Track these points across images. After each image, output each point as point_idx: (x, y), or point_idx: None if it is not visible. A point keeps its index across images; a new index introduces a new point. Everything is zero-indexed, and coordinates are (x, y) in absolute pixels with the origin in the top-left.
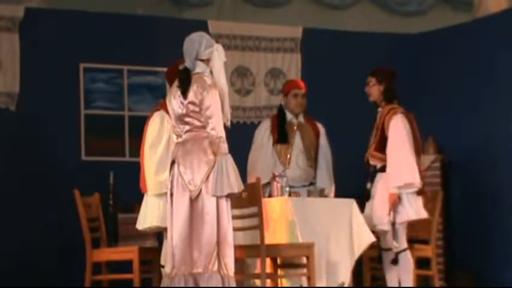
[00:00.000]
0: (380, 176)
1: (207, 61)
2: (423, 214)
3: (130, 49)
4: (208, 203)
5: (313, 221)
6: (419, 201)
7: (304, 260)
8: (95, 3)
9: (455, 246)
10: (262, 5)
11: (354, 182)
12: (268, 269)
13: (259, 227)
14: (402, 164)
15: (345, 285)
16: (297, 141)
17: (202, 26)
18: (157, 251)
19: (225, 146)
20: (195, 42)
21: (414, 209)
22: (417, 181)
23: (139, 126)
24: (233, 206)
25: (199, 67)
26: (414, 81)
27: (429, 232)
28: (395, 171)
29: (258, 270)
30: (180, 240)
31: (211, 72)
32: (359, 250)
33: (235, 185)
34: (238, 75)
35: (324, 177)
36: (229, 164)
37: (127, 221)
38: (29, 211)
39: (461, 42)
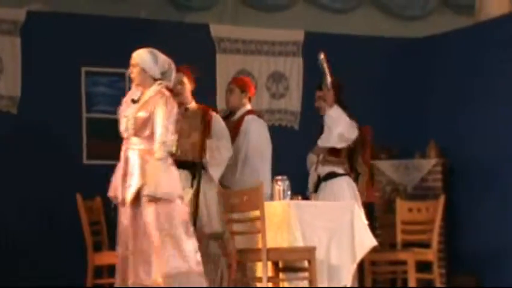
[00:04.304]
0: (324, 185)
1: None
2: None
3: (131, 53)
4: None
5: (314, 224)
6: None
7: (305, 264)
8: (97, 7)
9: (457, 250)
10: (264, 8)
11: None
12: (270, 273)
13: (261, 230)
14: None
15: None
16: None
17: (204, 30)
18: None
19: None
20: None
21: None
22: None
23: None
24: (235, 210)
25: None
26: (416, 85)
27: (430, 236)
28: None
29: (259, 274)
30: None
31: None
32: (360, 253)
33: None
34: None
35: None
36: (159, 167)
37: None
38: (30, 214)
39: (463, 46)
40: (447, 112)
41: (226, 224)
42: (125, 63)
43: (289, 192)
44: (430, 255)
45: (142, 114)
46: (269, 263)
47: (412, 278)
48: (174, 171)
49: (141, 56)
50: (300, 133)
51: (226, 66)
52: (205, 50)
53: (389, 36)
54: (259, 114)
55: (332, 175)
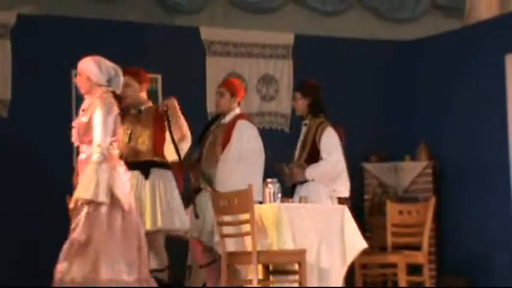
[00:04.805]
0: (299, 188)
1: None
2: None
3: (121, 55)
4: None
5: (305, 227)
6: None
7: (296, 267)
8: (87, 10)
9: (447, 252)
10: (254, 11)
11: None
12: (260, 276)
13: (252, 233)
14: (345, 177)
15: None
16: (208, 142)
17: (194, 33)
18: None
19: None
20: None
21: None
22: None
23: None
24: (225, 213)
25: None
26: (406, 88)
27: (421, 238)
28: (341, 182)
29: (249, 277)
30: None
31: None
32: (350, 256)
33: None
34: None
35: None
36: (95, 170)
37: None
38: (20, 217)
39: (453, 48)
40: (437, 114)
41: (217, 226)
42: (121, 66)
43: (279, 195)
44: (421, 257)
45: (83, 119)
46: (259, 266)
47: (403, 281)
48: (114, 175)
49: (86, 65)
50: (290, 136)
51: (216, 69)
52: (195, 52)
53: (379, 39)
54: (249, 118)
55: None
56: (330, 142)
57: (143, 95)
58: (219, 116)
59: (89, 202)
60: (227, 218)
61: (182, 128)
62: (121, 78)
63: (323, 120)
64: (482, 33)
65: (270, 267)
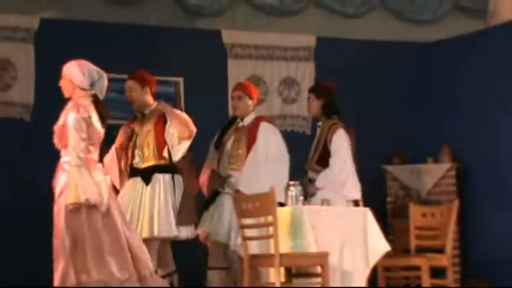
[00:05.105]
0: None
1: None
2: None
3: (143, 59)
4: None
5: (327, 230)
6: None
7: (318, 269)
8: (109, 14)
9: (471, 255)
10: (276, 14)
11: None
12: (283, 278)
13: (274, 236)
14: (354, 179)
15: None
16: (228, 145)
17: (216, 36)
18: None
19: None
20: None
21: None
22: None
23: None
24: (248, 215)
25: None
26: (428, 89)
27: (444, 241)
28: (350, 185)
29: (271, 280)
30: None
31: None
32: (373, 259)
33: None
34: None
35: (239, 175)
36: (76, 174)
37: None
38: (39, 220)
39: (476, 49)
40: (460, 116)
41: (240, 229)
42: (137, 69)
43: (301, 198)
44: (444, 260)
45: (60, 123)
46: (282, 269)
47: (426, 284)
48: (94, 178)
49: (68, 67)
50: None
51: (237, 72)
52: (217, 55)
53: (401, 41)
54: (270, 120)
55: None
56: (340, 144)
57: (148, 97)
58: (234, 119)
59: (80, 205)
60: (250, 221)
61: (189, 125)
62: (105, 83)
63: (336, 121)
64: (505, 34)
65: (293, 270)
